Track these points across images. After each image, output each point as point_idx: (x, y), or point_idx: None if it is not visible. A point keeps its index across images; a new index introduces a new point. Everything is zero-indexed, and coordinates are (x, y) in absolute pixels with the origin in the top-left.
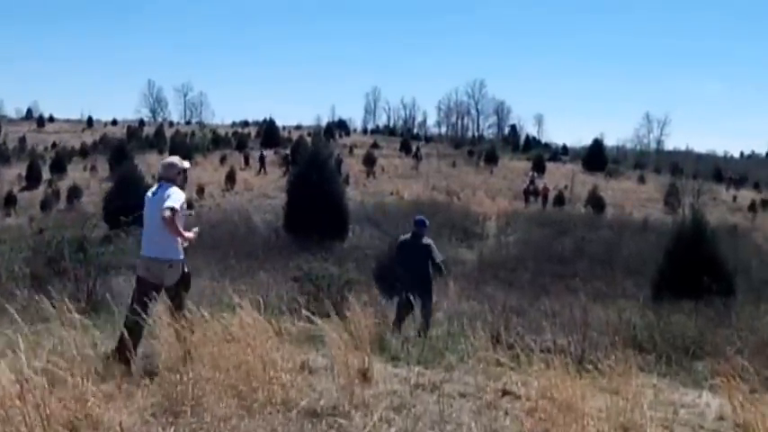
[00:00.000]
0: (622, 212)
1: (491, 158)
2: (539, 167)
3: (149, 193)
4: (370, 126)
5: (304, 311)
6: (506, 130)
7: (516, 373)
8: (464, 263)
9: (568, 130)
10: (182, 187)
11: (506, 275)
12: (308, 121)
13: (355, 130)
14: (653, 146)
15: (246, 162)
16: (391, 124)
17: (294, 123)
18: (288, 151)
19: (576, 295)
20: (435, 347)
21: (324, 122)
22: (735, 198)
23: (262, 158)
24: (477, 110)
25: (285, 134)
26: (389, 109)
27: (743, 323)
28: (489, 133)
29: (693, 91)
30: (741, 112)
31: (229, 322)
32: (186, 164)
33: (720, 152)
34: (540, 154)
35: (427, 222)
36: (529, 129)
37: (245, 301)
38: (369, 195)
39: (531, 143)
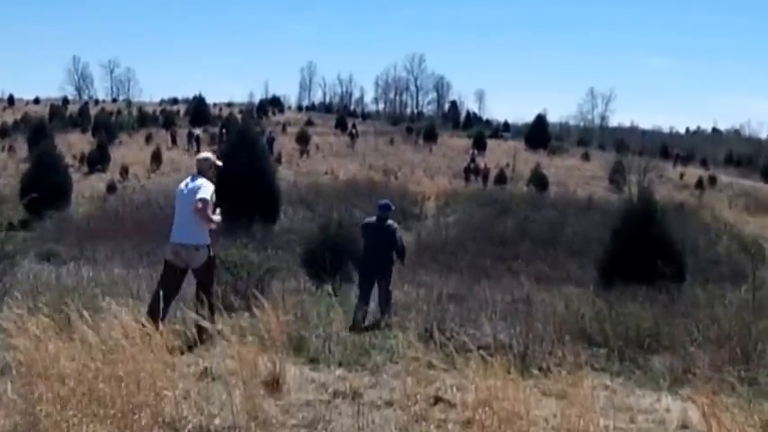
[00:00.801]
0: (566, 191)
1: (430, 136)
2: (480, 145)
3: (182, 185)
4: (305, 103)
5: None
6: (447, 107)
7: (452, 376)
8: None
9: (511, 106)
10: (211, 179)
11: (446, 258)
12: (240, 98)
13: (290, 108)
14: (597, 122)
15: (174, 141)
16: (327, 101)
17: (226, 100)
18: (217, 129)
19: (519, 278)
20: (361, 345)
21: (257, 99)
22: (682, 175)
23: (197, 138)
24: (417, 86)
25: (216, 111)
26: (325, 85)
27: (702, 312)
28: (429, 110)
29: (638, 66)
30: (687, 88)
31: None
32: (219, 162)
33: (666, 128)
34: (480, 131)
35: (392, 206)
36: (470, 105)
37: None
38: (302, 175)
39: (472, 120)
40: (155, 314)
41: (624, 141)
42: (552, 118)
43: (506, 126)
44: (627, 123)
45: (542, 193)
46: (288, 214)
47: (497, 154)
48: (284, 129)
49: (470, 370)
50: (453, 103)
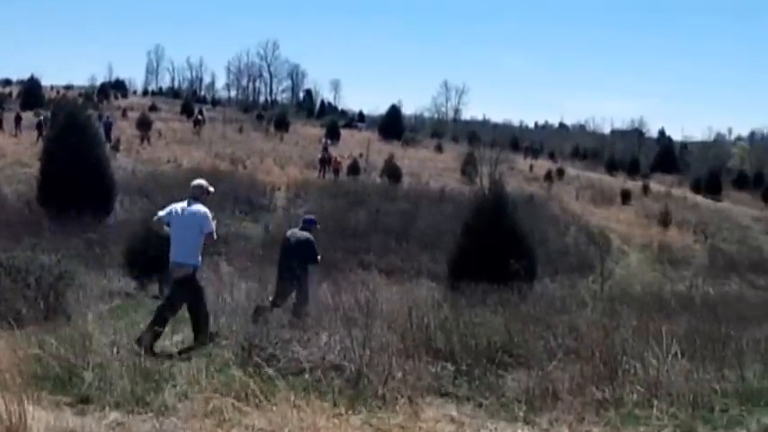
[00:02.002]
0: (419, 182)
1: (281, 124)
2: (333, 134)
3: (178, 208)
4: (152, 88)
5: None
6: (301, 96)
7: (263, 414)
8: (248, 238)
9: (366, 97)
10: (205, 203)
11: None
12: (81, 81)
13: (134, 92)
14: (450, 115)
15: (0, 125)
16: (176, 86)
17: (65, 83)
18: (48, 113)
19: (370, 271)
20: (152, 377)
21: (99, 83)
22: (531, 167)
23: (39, 123)
24: (270, 73)
25: (53, 94)
26: (174, 69)
27: (559, 317)
28: (284, 98)
29: (490, 61)
30: (536, 84)
31: None
32: (211, 188)
33: (516, 122)
34: (334, 120)
35: (316, 222)
36: (325, 94)
37: None
38: (142, 163)
39: (327, 109)
40: (154, 331)
41: (476, 134)
42: (407, 110)
43: (361, 116)
44: (479, 117)
45: (395, 185)
46: (124, 205)
47: (351, 144)
48: (125, 114)
49: (287, 405)
50: (308, 92)
